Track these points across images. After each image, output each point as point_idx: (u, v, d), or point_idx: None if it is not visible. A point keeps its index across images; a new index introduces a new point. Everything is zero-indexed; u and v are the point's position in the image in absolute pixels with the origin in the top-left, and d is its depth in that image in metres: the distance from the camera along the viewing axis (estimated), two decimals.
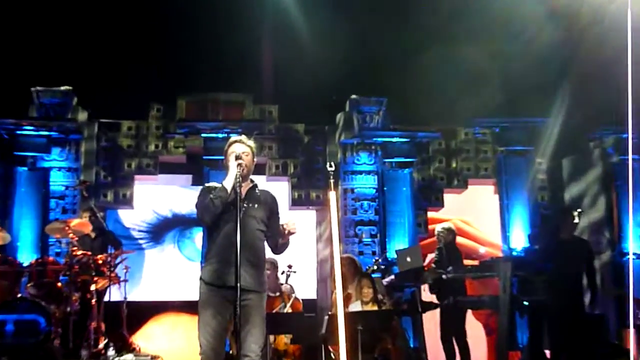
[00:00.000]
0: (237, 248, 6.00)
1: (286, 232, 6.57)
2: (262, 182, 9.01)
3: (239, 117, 13.81)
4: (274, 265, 10.53)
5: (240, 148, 6.63)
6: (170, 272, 14.32)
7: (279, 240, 6.67)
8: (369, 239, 13.34)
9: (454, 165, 14.50)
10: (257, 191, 6.70)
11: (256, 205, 6.60)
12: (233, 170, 6.41)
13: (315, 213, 14.42)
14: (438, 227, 11.54)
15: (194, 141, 13.73)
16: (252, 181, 6.69)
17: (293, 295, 10.39)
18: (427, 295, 11.21)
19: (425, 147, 14.30)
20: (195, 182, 14.03)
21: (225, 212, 6.39)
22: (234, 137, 6.73)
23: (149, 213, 14.43)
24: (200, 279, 6.60)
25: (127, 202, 13.83)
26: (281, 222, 6.63)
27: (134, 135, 13.83)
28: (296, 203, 14.06)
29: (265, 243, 6.76)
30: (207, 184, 6.66)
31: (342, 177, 13.59)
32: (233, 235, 6.09)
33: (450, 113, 13.61)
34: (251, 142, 6.73)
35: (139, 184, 14.04)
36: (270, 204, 6.70)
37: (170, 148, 13.85)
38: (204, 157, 13.38)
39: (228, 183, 6.41)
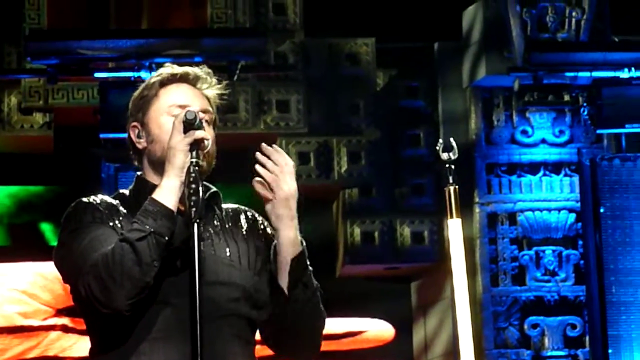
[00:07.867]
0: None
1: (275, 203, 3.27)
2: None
3: (197, 23, 8.97)
4: None
5: (190, 98, 3.42)
6: None
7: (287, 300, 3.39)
8: (564, 354, 8.63)
9: None
10: (217, 211, 3.61)
11: (234, 246, 3.50)
12: (179, 157, 3.31)
13: (412, 286, 9.67)
14: None
15: (77, 93, 8.68)
16: (205, 186, 3.51)
17: None
18: None
19: None
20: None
21: (162, 274, 3.42)
22: (169, 69, 3.41)
23: None
24: None
25: None
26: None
27: None
28: (359, 254, 8.88)
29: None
30: (84, 199, 3.39)
31: (480, 179, 8.83)
32: (182, 330, 3.46)
33: None
34: (215, 83, 3.52)
35: None
36: (263, 236, 3.51)
37: (10, 114, 8.88)
38: (101, 136, 8.18)
39: (168, 192, 3.31)
